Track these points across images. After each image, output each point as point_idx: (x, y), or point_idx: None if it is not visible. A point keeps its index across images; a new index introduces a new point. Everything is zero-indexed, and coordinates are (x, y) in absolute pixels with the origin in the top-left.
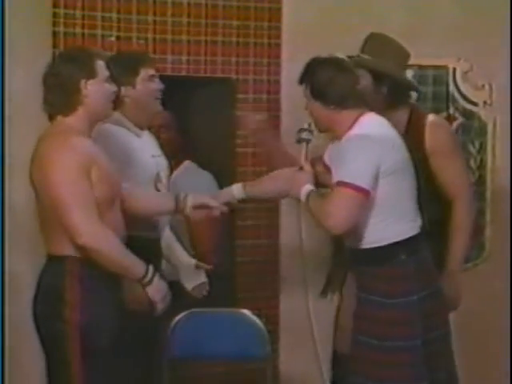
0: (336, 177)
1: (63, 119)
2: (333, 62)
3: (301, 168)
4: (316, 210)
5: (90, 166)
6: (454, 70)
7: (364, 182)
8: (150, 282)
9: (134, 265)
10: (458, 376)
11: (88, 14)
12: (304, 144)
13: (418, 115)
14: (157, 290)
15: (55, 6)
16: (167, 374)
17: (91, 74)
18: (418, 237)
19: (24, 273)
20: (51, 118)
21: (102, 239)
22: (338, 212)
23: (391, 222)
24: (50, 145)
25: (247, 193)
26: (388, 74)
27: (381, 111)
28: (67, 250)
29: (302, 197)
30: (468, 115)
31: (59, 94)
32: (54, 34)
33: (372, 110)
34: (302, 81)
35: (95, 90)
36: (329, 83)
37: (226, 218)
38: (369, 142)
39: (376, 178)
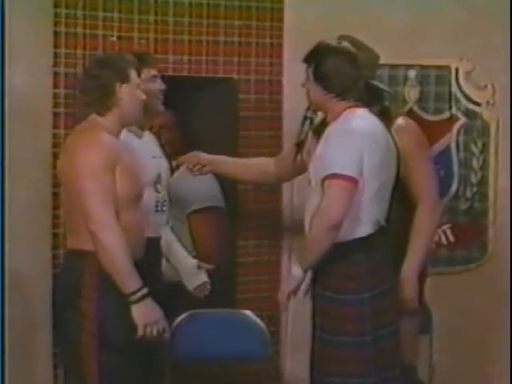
0: (323, 171)
1: (96, 117)
2: (344, 53)
3: (297, 144)
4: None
5: (115, 162)
6: (457, 69)
7: (352, 171)
8: (138, 301)
9: (129, 276)
10: (416, 370)
11: (89, 14)
12: (307, 121)
13: (386, 117)
14: (142, 314)
15: (56, 5)
16: (169, 376)
17: (125, 78)
18: (377, 235)
19: (25, 269)
20: (82, 119)
21: (111, 234)
22: (332, 206)
23: (349, 221)
24: (80, 139)
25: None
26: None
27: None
28: (90, 245)
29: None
30: (471, 115)
31: (95, 95)
32: (56, 34)
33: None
34: (306, 60)
35: (128, 93)
36: (335, 73)
37: (228, 218)
38: (353, 137)
39: (361, 168)
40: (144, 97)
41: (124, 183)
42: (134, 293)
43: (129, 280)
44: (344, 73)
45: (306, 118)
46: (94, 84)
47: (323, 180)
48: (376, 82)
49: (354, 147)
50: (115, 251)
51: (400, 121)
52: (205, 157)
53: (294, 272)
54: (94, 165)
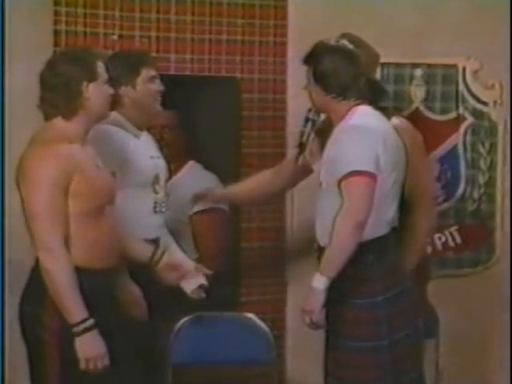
0: (339, 171)
1: (59, 123)
2: (341, 51)
3: (298, 146)
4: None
5: (70, 176)
6: (464, 68)
7: (371, 167)
8: (81, 334)
9: (72, 306)
10: (425, 378)
11: (90, 12)
12: (309, 123)
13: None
14: (84, 347)
15: (57, 3)
16: (171, 380)
17: (93, 76)
18: (388, 237)
19: (24, 270)
20: (48, 118)
21: (55, 262)
22: (356, 204)
23: None
24: (34, 153)
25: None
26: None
27: None
28: None
29: None
30: (478, 115)
31: (61, 96)
32: (56, 33)
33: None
34: (306, 61)
35: (96, 92)
36: (333, 72)
37: (231, 220)
38: (366, 133)
39: (379, 165)
40: (112, 91)
41: (87, 194)
42: (77, 324)
43: (73, 311)
44: (342, 71)
45: (307, 119)
46: (58, 83)
47: (340, 180)
48: (378, 80)
49: (369, 144)
50: (58, 280)
51: (394, 121)
52: (216, 194)
53: (316, 286)
54: (42, 184)
